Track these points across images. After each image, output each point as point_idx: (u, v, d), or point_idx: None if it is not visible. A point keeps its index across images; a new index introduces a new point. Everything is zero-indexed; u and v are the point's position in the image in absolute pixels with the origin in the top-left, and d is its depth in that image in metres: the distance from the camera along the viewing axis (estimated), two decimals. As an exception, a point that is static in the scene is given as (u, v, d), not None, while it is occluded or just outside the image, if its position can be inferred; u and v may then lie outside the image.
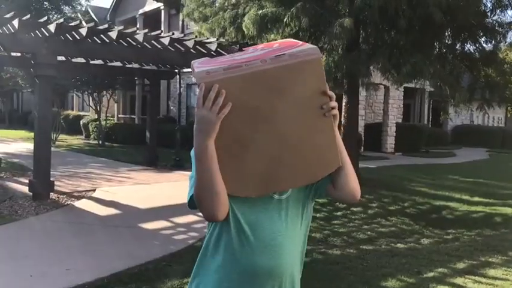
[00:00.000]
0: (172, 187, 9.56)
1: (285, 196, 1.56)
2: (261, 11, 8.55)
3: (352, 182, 1.56)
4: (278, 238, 1.53)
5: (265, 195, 1.51)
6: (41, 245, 5.42)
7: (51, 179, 8.39)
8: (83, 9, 26.23)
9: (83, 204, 7.66)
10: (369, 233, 6.30)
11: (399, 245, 5.70)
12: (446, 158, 18.34)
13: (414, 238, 6.11)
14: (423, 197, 9.11)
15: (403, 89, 19.58)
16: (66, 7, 23.45)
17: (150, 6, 22.92)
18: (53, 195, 8.00)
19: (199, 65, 1.41)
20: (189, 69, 12.42)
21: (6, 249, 5.28)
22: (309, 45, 1.41)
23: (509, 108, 31.73)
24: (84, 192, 8.54)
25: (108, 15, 25.59)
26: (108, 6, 26.65)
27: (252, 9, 8.86)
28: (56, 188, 8.35)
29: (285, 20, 8.14)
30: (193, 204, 1.46)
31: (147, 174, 11.27)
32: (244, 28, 8.55)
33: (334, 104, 1.46)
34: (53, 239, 5.70)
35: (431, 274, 4.54)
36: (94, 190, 8.78)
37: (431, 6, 7.53)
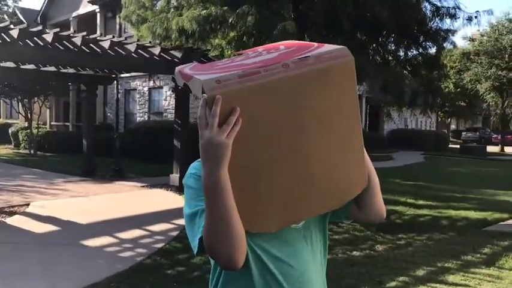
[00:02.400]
0: (113, 199, 9.04)
1: (302, 223, 1.34)
2: (204, 11, 8.29)
3: (380, 201, 1.40)
4: (307, 273, 1.33)
5: (286, 227, 1.27)
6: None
7: (-22, 193, 7.69)
8: (10, 10, 24.80)
9: (15, 220, 7.01)
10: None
11: (355, 253, 5.61)
12: (385, 161, 18.81)
13: (368, 245, 6.05)
14: (370, 201, 9.17)
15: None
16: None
17: (84, 8, 21.99)
18: (-20, 212, 7.29)
19: (195, 72, 1.13)
20: (128, 74, 12.05)
21: None
22: (334, 46, 1.17)
23: (439, 112, 33.38)
24: (16, 208, 7.86)
25: (39, 17, 24.27)
26: (38, 8, 25.31)
27: (196, 9, 8.59)
28: (-17, 203, 7.65)
29: (230, 20, 7.92)
30: (203, 250, 1.17)
31: (84, 185, 10.62)
32: (173, 24, 8.21)
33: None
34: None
35: (393, 284, 4.46)
36: (28, 205, 8.10)
37: (377, 5, 7.58)
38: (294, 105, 1.12)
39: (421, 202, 9.27)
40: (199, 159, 1.14)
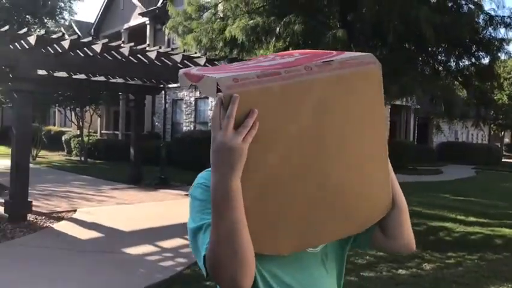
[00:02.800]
0: (157, 207, 9.14)
1: (320, 248, 1.22)
2: (252, 21, 8.30)
3: (408, 230, 1.24)
4: None
5: (299, 251, 1.14)
6: (14, 274, 4.96)
7: (29, 198, 7.94)
8: (67, 23, 25.83)
9: (62, 226, 7.19)
10: (367, 257, 5.96)
11: (401, 271, 5.38)
12: (434, 175, 18.21)
13: (415, 263, 5.79)
14: (418, 217, 8.83)
15: (389, 106, 19.52)
16: (50, 21, 23.03)
17: (135, 21, 22.63)
18: (30, 217, 7.52)
19: (205, 72, 1.03)
20: (175, 85, 12.14)
21: (-24, 279, 4.82)
22: (357, 53, 1.09)
23: (492, 125, 32.04)
24: (64, 213, 8.08)
25: (92, 29, 25.21)
26: (93, 21, 26.29)
27: (243, 20, 8.61)
28: (34, 208, 7.89)
29: (277, 30, 7.87)
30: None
31: (130, 193, 10.81)
32: (227, 33, 8.23)
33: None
34: (27, 267, 5.22)
35: (441, 306, 4.23)
36: (74, 211, 8.31)
37: (423, 22, 7.34)
38: (313, 112, 1.02)
39: (471, 219, 8.85)
40: (209, 169, 1.04)
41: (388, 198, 1.17)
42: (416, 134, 24.99)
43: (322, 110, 1.03)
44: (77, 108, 19.03)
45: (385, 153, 1.13)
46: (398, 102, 17.78)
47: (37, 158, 18.19)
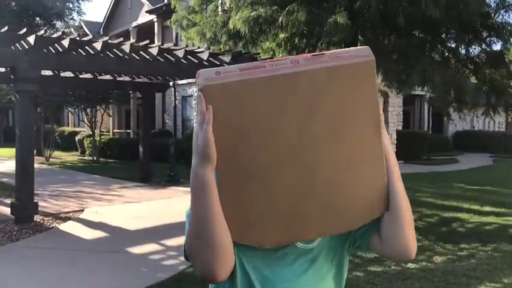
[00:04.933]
0: (164, 205, 9.06)
1: (314, 245, 1.18)
2: (254, 13, 8.14)
3: (406, 236, 1.11)
4: None
5: (284, 245, 1.12)
6: (18, 275, 4.91)
7: (37, 199, 7.96)
8: (76, 23, 25.95)
9: (68, 226, 7.15)
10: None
11: (410, 265, 5.19)
12: (449, 165, 17.87)
13: (426, 256, 5.60)
14: (430, 208, 8.62)
15: (402, 96, 19.19)
16: (59, 22, 23.14)
17: (143, 18, 22.61)
18: (37, 218, 7.50)
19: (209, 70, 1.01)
20: (184, 81, 12.15)
21: (-23, 282, 4.78)
22: (354, 48, 1.03)
23: (510, 112, 31.38)
24: (71, 213, 8.04)
25: (101, 29, 25.27)
26: (101, 21, 26.35)
27: (245, 11, 8.45)
28: (42, 209, 7.90)
29: (280, 19, 7.70)
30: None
31: (139, 191, 10.76)
32: (230, 24, 8.09)
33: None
34: (31, 268, 5.18)
35: (450, 301, 4.05)
36: (82, 210, 8.28)
37: (430, 3, 7.07)
38: (299, 106, 0.99)
39: (487, 209, 8.60)
40: None
41: (381, 199, 1.09)
42: (430, 124, 24.57)
43: (308, 104, 0.99)
44: (88, 108, 19.08)
45: (379, 152, 1.06)
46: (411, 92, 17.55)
47: (50, 159, 18.29)
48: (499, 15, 8.60)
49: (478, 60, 8.60)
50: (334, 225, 1.09)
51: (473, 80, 9.33)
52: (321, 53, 1.01)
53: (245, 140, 0.98)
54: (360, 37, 9.03)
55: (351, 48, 1.04)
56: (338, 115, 1.01)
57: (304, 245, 1.16)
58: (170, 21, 10.13)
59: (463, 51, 8.77)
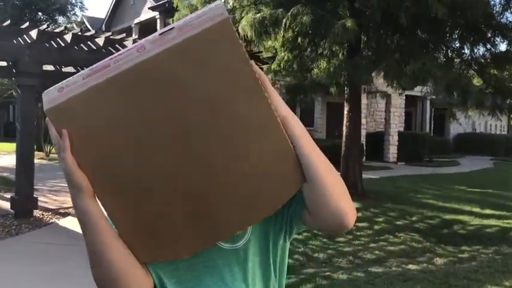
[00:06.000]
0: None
1: (242, 243, 1.04)
2: (259, 14, 8.10)
3: (333, 204, 0.95)
4: None
5: (203, 249, 0.99)
6: (17, 270, 4.89)
7: (37, 194, 7.93)
8: (78, 19, 25.94)
9: (67, 222, 7.12)
10: (377, 252, 5.78)
11: (411, 266, 5.18)
12: (450, 167, 17.84)
13: (426, 257, 5.59)
14: (431, 210, 8.59)
15: (404, 97, 19.16)
16: (61, 17, 23.14)
17: (145, 15, 22.58)
18: (37, 213, 7.48)
19: (52, 89, 0.87)
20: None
21: (-25, 276, 4.76)
22: (207, 8, 0.85)
23: (511, 115, 31.36)
24: (70, 209, 8.00)
25: (104, 25, 25.23)
26: (104, 16, 26.33)
27: (250, 13, 8.43)
28: (41, 204, 7.87)
29: (284, 21, 7.67)
30: None
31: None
32: (240, 30, 8.09)
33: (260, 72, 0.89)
34: (30, 263, 5.15)
35: (451, 303, 4.03)
36: (82, 206, 8.24)
37: (435, 2, 7.03)
38: (162, 101, 0.84)
39: (488, 211, 8.57)
40: None
41: (294, 173, 0.95)
42: (432, 125, 24.54)
43: (171, 95, 0.84)
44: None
45: (273, 123, 0.90)
46: (413, 93, 17.49)
47: (51, 155, 18.26)
48: (503, 16, 8.58)
49: (483, 60, 8.57)
50: (249, 215, 0.96)
51: (476, 81, 9.29)
52: (170, 27, 0.85)
53: (114, 155, 0.86)
54: (362, 36, 9.01)
55: (202, 10, 0.87)
56: (210, 97, 0.85)
57: (230, 245, 1.03)
58: (172, 20, 10.09)
59: (467, 52, 8.75)
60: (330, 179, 0.96)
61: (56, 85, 0.85)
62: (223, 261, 1.03)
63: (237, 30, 8.49)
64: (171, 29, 0.84)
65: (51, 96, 0.83)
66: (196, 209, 0.93)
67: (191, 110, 0.86)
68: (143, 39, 0.85)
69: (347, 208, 0.96)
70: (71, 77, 0.85)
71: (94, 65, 0.86)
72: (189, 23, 0.83)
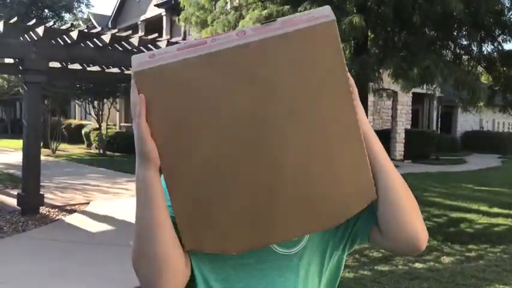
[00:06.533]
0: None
1: (297, 249, 1.00)
2: (265, 11, 8.07)
3: (408, 223, 0.93)
4: None
5: (254, 249, 0.94)
6: (23, 267, 4.90)
7: (43, 191, 7.96)
8: (85, 16, 25.99)
9: (74, 219, 7.14)
10: (383, 250, 5.74)
11: (417, 265, 5.13)
12: (457, 165, 17.73)
13: (433, 256, 5.54)
14: (439, 208, 8.53)
15: (411, 95, 19.06)
16: (67, 14, 23.19)
17: (151, 12, 22.58)
18: (43, 209, 7.50)
19: (143, 54, 0.86)
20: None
21: (-19, 273, 4.77)
22: (314, 9, 0.85)
23: (519, 113, 31.11)
24: (77, 206, 8.04)
25: (110, 22, 25.28)
26: (110, 14, 26.36)
27: (256, 10, 8.40)
28: (48, 201, 7.90)
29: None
30: None
31: (146, 185, 10.73)
32: (240, 26, 8.06)
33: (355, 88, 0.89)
34: (37, 259, 5.17)
35: (459, 303, 3.99)
36: (88, 203, 8.27)
37: None
38: (252, 86, 0.82)
39: (495, 210, 8.49)
40: None
41: (365, 187, 0.92)
42: (439, 123, 24.40)
43: (263, 81, 0.83)
44: (95, 101, 19.09)
45: (356, 129, 0.88)
46: (420, 91, 17.37)
47: (57, 152, 18.34)
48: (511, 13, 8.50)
49: (491, 57, 8.51)
50: (309, 223, 0.92)
51: (484, 79, 9.23)
52: (272, 19, 0.85)
53: (190, 131, 0.84)
54: (369, 33, 8.95)
55: (309, 10, 0.88)
56: (300, 91, 0.84)
57: (284, 249, 0.99)
58: (179, 19, 10.08)
59: (475, 49, 8.68)
60: (408, 200, 0.94)
61: (147, 52, 0.85)
62: (274, 266, 0.99)
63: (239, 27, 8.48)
64: (274, 20, 0.83)
65: (141, 60, 0.82)
66: (260, 203, 0.89)
67: (275, 102, 0.84)
68: (244, 27, 0.86)
69: (423, 231, 0.95)
70: (163, 48, 0.86)
71: (190, 40, 0.85)
72: (294, 19, 0.83)
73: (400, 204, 0.92)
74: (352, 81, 0.87)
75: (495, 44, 8.29)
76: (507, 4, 8.24)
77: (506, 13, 8.44)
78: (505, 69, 8.42)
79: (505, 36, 8.18)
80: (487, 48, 8.51)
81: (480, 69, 8.84)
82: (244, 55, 0.81)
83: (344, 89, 0.86)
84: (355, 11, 8.75)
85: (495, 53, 8.37)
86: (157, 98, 0.83)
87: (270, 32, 0.81)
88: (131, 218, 7.05)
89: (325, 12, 0.83)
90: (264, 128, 0.85)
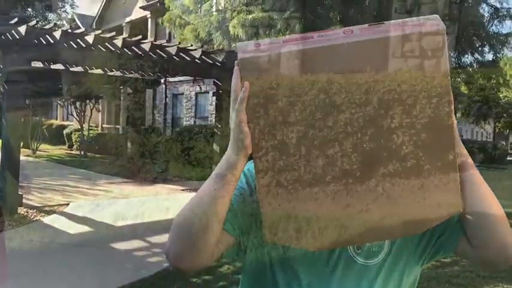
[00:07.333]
0: (151, 202, 9.01)
1: (377, 260, 0.99)
2: (251, 16, 8.12)
3: (504, 234, 0.92)
4: None
5: (335, 248, 0.96)
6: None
7: (22, 191, 7.86)
8: (69, 16, 25.77)
9: (52, 220, 7.08)
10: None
11: (394, 270, 5.22)
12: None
13: (410, 262, 5.64)
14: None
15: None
16: (51, 14, 22.96)
17: (136, 14, 22.48)
18: (21, 210, 7.41)
19: (248, 42, 0.89)
20: (176, 79, 12.17)
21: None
22: (422, 16, 0.87)
23: (497, 123, 31.73)
24: (56, 207, 7.95)
25: (94, 23, 25.06)
26: (94, 14, 26.17)
27: (241, 14, 8.45)
28: (27, 201, 7.82)
29: (278, 26, 7.72)
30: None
31: (126, 187, 10.68)
32: (231, 29, 8.10)
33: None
34: (12, 261, 5.11)
35: (432, 308, 4.07)
36: (67, 204, 8.19)
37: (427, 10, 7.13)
38: (355, 84, 0.84)
39: (472, 217, 8.67)
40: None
41: (453, 196, 0.90)
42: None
43: (367, 81, 0.84)
44: (77, 102, 18.91)
45: (451, 137, 0.88)
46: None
47: (37, 152, 18.11)
48: (492, 25, 8.70)
49: (470, 69, 8.70)
50: (398, 225, 0.89)
51: (463, 89, 9.41)
52: (379, 22, 0.87)
53: (288, 123, 0.85)
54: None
55: (417, 18, 0.89)
56: (403, 94, 0.85)
57: (364, 260, 0.98)
58: (162, 20, 10.09)
59: (454, 60, 8.86)
60: (499, 211, 0.94)
61: (252, 41, 0.87)
62: (353, 275, 0.98)
63: (228, 29, 8.52)
64: (381, 23, 0.85)
65: (247, 48, 0.84)
66: (349, 202, 0.88)
67: (373, 101, 0.85)
68: (350, 27, 0.87)
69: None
70: (267, 39, 0.89)
71: (295, 34, 0.87)
72: (403, 23, 0.85)
73: (493, 214, 0.93)
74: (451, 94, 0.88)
75: (475, 56, 8.48)
76: (486, 16, 8.42)
77: (485, 25, 8.64)
78: (483, 80, 8.62)
79: (485, 48, 8.36)
80: (467, 59, 8.69)
81: (458, 80, 9.01)
82: (349, 52, 0.82)
83: (446, 96, 0.86)
84: (339, 18, 8.89)
85: (475, 65, 8.56)
86: (258, 87, 0.84)
87: (377, 33, 0.83)
88: (110, 220, 7.01)
89: (435, 22, 0.85)
90: (362, 127, 0.85)
